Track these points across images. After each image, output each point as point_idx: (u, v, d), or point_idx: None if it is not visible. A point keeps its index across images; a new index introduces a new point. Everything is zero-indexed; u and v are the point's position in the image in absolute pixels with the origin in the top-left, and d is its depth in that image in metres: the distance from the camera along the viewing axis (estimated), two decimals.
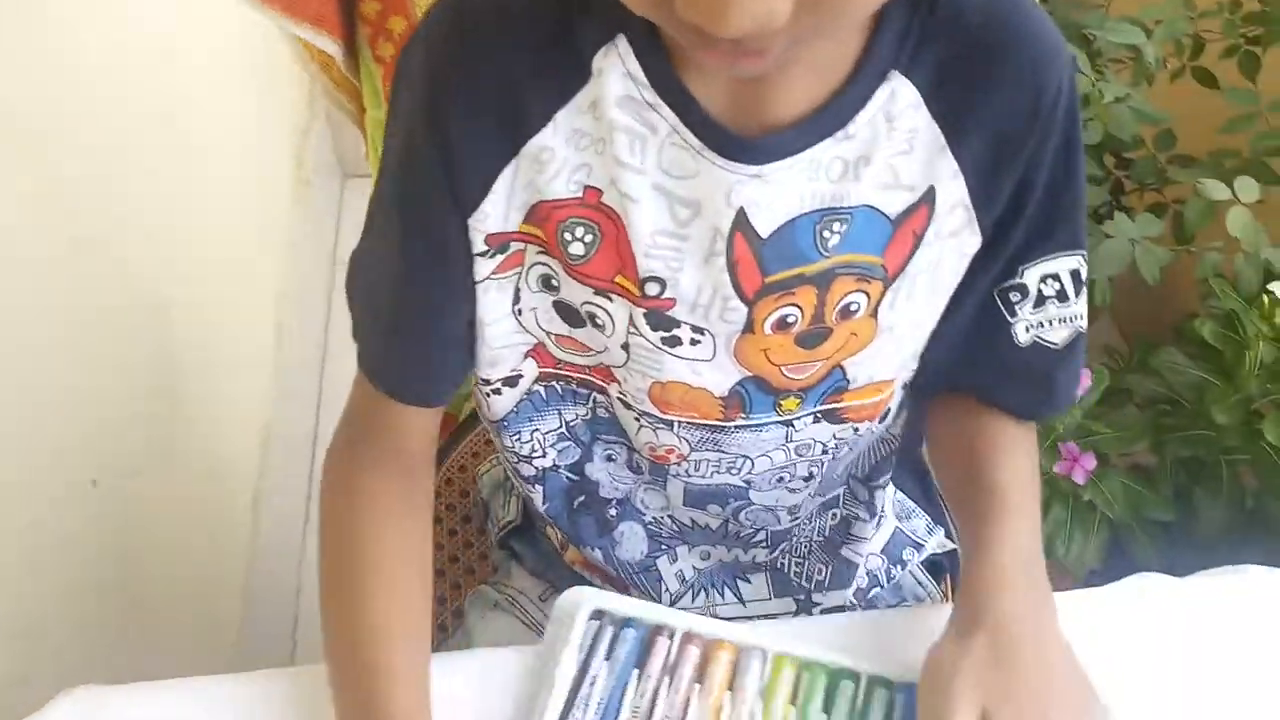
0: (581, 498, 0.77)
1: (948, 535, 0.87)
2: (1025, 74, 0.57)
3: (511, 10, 0.56)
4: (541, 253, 0.61)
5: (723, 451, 0.69)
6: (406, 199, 0.61)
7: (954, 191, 0.58)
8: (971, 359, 0.67)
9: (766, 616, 0.81)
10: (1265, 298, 1.05)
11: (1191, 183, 1.20)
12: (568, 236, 0.59)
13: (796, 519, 0.78)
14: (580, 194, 0.58)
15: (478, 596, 0.88)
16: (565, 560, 0.85)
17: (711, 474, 0.71)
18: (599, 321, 0.62)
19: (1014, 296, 0.64)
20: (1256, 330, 1.07)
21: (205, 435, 1.23)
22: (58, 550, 0.85)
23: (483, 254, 0.60)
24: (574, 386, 0.69)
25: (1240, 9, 1.31)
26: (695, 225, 0.57)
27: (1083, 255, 0.63)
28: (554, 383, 0.69)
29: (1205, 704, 0.64)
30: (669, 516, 0.77)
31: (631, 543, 0.79)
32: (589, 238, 0.59)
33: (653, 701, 0.60)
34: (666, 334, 0.61)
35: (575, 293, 0.62)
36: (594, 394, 0.69)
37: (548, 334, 0.65)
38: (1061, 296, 0.64)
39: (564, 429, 0.72)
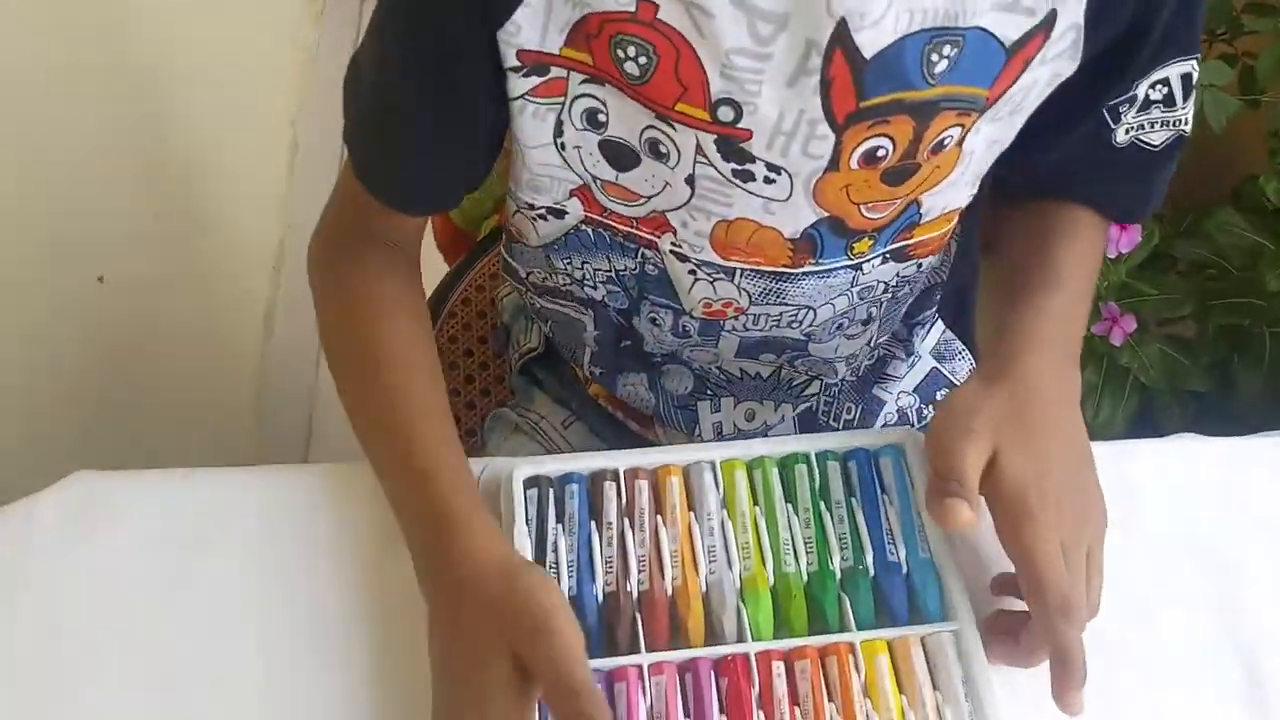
0: (627, 342, 0.74)
1: None
2: None
3: None
4: (587, 81, 0.55)
5: (785, 304, 0.65)
6: (420, 3, 0.55)
7: (1073, 11, 0.53)
8: (1063, 163, 0.64)
9: None
10: None
11: (1268, 31, 1.12)
12: (621, 54, 0.53)
13: (850, 367, 0.76)
14: (633, 8, 0.51)
15: (498, 419, 0.86)
16: (590, 393, 0.82)
17: (769, 327, 0.68)
18: (662, 149, 0.57)
19: (1122, 107, 0.61)
20: None
21: (219, 244, 1.19)
22: (64, 344, 0.83)
23: (516, 69, 0.55)
24: (620, 239, 0.65)
25: None
26: (779, 42, 0.51)
27: (1196, 59, 0.60)
28: (601, 230, 0.65)
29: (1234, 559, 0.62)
30: (717, 368, 0.75)
31: (678, 379, 0.77)
32: (642, 59, 0.53)
33: (623, 547, 0.58)
34: (739, 166, 0.56)
35: (632, 121, 0.56)
36: (642, 249, 0.65)
37: (594, 178, 0.61)
38: (1169, 101, 0.61)
39: (613, 273, 0.68)
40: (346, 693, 0.56)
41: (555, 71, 0.55)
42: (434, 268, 0.97)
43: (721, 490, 0.61)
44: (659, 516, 0.60)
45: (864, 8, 0.49)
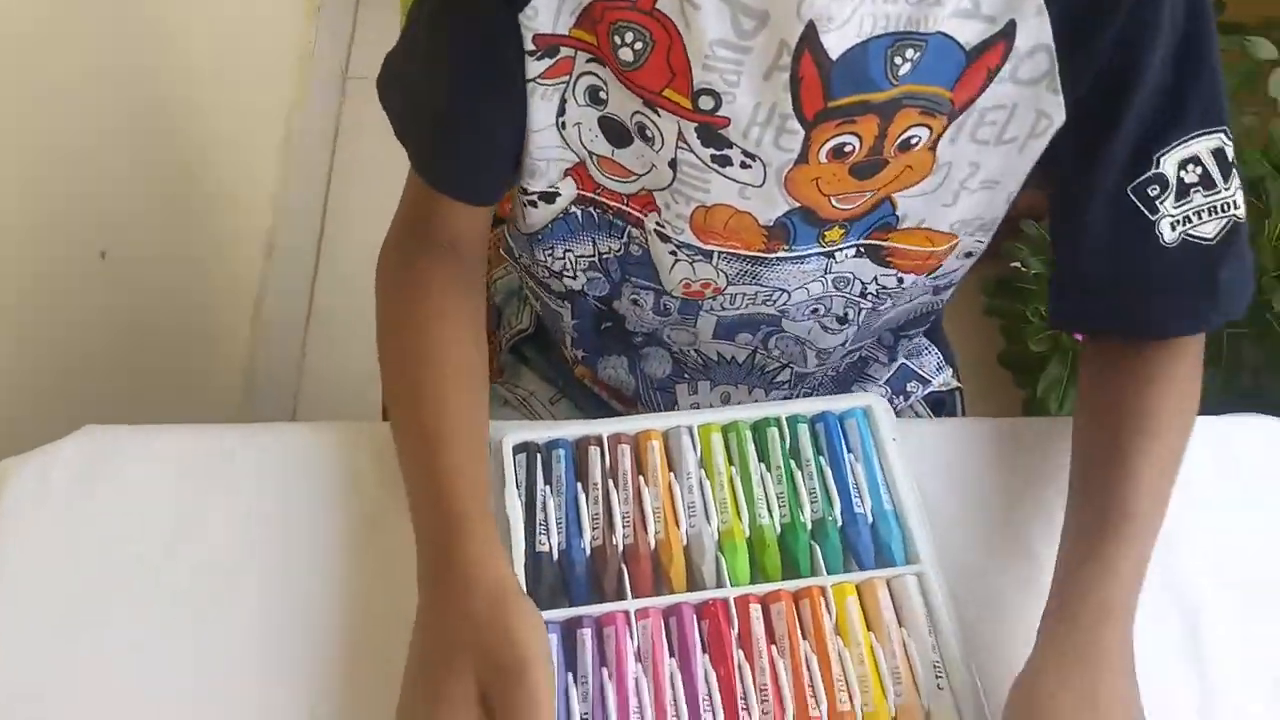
0: (609, 324, 0.77)
1: (955, 375, 0.88)
2: None
3: None
4: (591, 60, 0.59)
5: (760, 285, 0.69)
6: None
7: (1036, 30, 0.55)
8: (1115, 274, 0.61)
9: None
10: None
11: (1235, 49, 1.17)
12: (617, 40, 0.57)
13: (823, 364, 0.78)
14: None
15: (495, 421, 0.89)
16: (576, 375, 0.86)
17: (745, 305, 0.71)
18: (648, 134, 0.61)
19: (1152, 190, 0.58)
20: None
21: (214, 228, 1.23)
22: (70, 311, 0.86)
23: (531, 53, 0.59)
24: (610, 216, 0.68)
25: None
26: (760, 37, 0.55)
27: (1225, 132, 0.58)
28: (591, 208, 0.68)
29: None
30: (695, 350, 0.78)
31: (658, 361, 0.80)
32: (639, 45, 0.57)
33: (608, 506, 0.62)
34: (717, 152, 0.60)
35: (624, 103, 0.60)
36: (629, 227, 0.68)
37: (590, 154, 0.64)
38: (1207, 182, 0.58)
39: (596, 259, 0.72)
40: (334, 625, 0.59)
41: (564, 52, 0.59)
42: None
43: (699, 452, 0.65)
44: (641, 477, 0.64)
45: (830, 12, 0.53)
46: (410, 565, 0.57)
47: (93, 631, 0.58)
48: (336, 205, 1.71)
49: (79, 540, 0.61)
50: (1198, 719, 0.59)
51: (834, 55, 0.54)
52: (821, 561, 0.60)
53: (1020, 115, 0.58)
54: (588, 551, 0.61)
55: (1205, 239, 0.59)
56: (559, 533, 0.61)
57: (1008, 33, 0.55)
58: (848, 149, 0.59)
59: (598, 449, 0.64)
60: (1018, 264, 1.24)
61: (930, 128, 0.59)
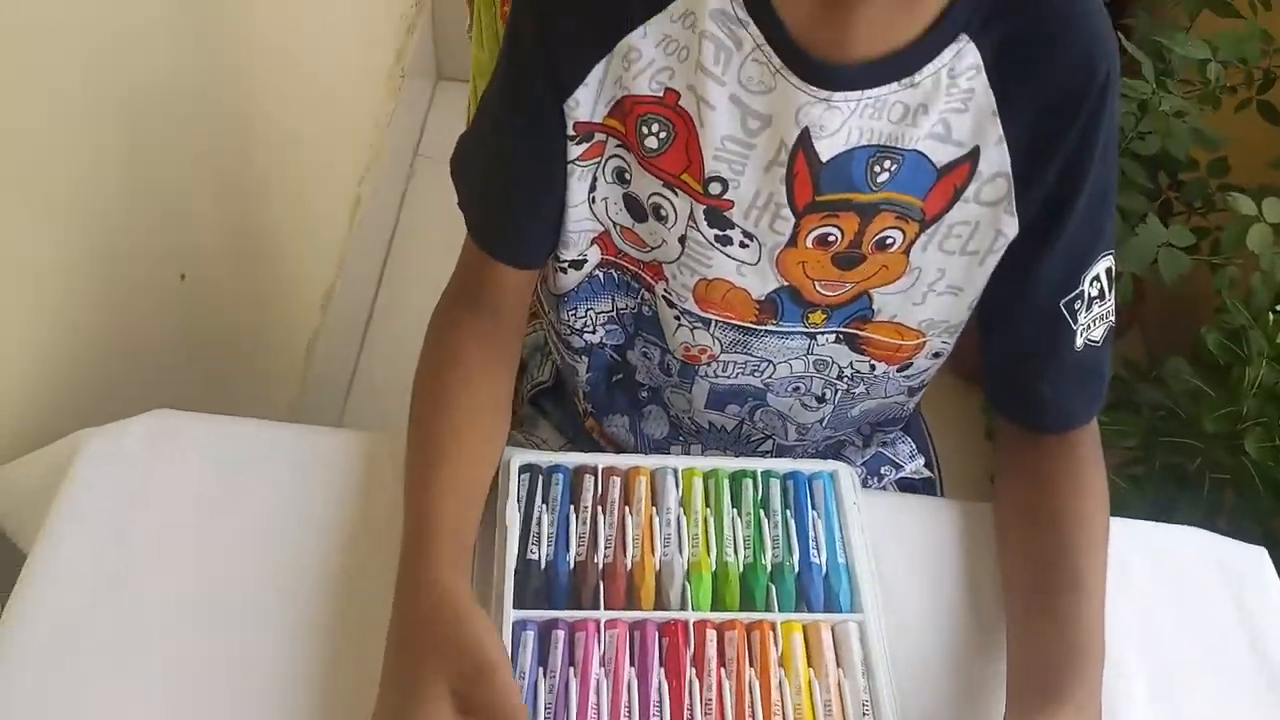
0: (620, 376, 0.86)
1: (927, 464, 0.95)
2: (1077, 63, 0.63)
3: None
4: (619, 145, 0.69)
5: (749, 354, 0.78)
6: (512, 86, 0.69)
7: (997, 158, 0.65)
8: (1039, 371, 0.71)
9: None
10: (1271, 315, 1.11)
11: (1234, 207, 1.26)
12: (644, 130, 0.67)
13: (803, 440, 0.87)
14: (661, 94, 0.66)
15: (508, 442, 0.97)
16: (586, 427, 0.94)
17: (736, 374, 0.80)
18: (663, 213, 0.70)
19: (1076, 305, 0.69)
20: (1260, 348, 1.13)
21: (281, 271, 1.34)
22: (152, 322, 0.97)
23: (572, 138, 0.69)
24: (628, 278, 0.78)
25: None
26: (763, 136, 0.65)
27: (1113, 252, 0.70)
28: (612, 270, 0.78)
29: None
30: (690, 418, 0.87)
31: (657, 422, 0.88)
32: (663, 134, 0.67)
33: (594, 528, 0.70)
34: (720, 232, 0.69)
35: (644, 184, 0.70)
36: (643, 289, 0.78)
37: (614, 224, 0.74)
38: (1101, 296, 0.70)
39: (614, 313, 0.81)
40: (335, 625, 0.67)
41: (598, 136, 0.69)
42: None
43: (680, 491, 0.73)
44: (626, 507, 0.72)
45: (823, 122, 0.63)
46: None
47: (139, 597, 0.66)
48: (393, 271, 1.83)
49: (147, 498, 0.70)
50: None
51: (824, 158, 0.64)
52: (775, 600, 0.68)
53: (981, 231, 0.68)
54: (571, 565, 0.69)
55: (1095, 342, 0.71)
56: (549, 545, 0.69)
57: (973, 157, 0.65)
58: (831, 238, 0.68)
59: (592, 478, 0.73)
60: None
61: (904, 232, 0.68)
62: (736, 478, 0.74)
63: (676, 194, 0.69)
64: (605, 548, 0.69)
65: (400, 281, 1.80)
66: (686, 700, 0.63)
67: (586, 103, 0.67)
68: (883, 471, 0.91)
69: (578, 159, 0.70)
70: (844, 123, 0.63)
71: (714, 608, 0.68)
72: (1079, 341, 0.70)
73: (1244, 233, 1.19)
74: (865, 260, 0.70)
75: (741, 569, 0.69)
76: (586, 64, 0.66)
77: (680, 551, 0.69)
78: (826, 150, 0.64)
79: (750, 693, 0.64)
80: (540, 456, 0.74)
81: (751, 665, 0.65)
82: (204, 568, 0.68)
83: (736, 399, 0.83)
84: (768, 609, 0.68)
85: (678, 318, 0.77)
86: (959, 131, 0.65)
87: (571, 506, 0.71)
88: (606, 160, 0.71)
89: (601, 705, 0.63)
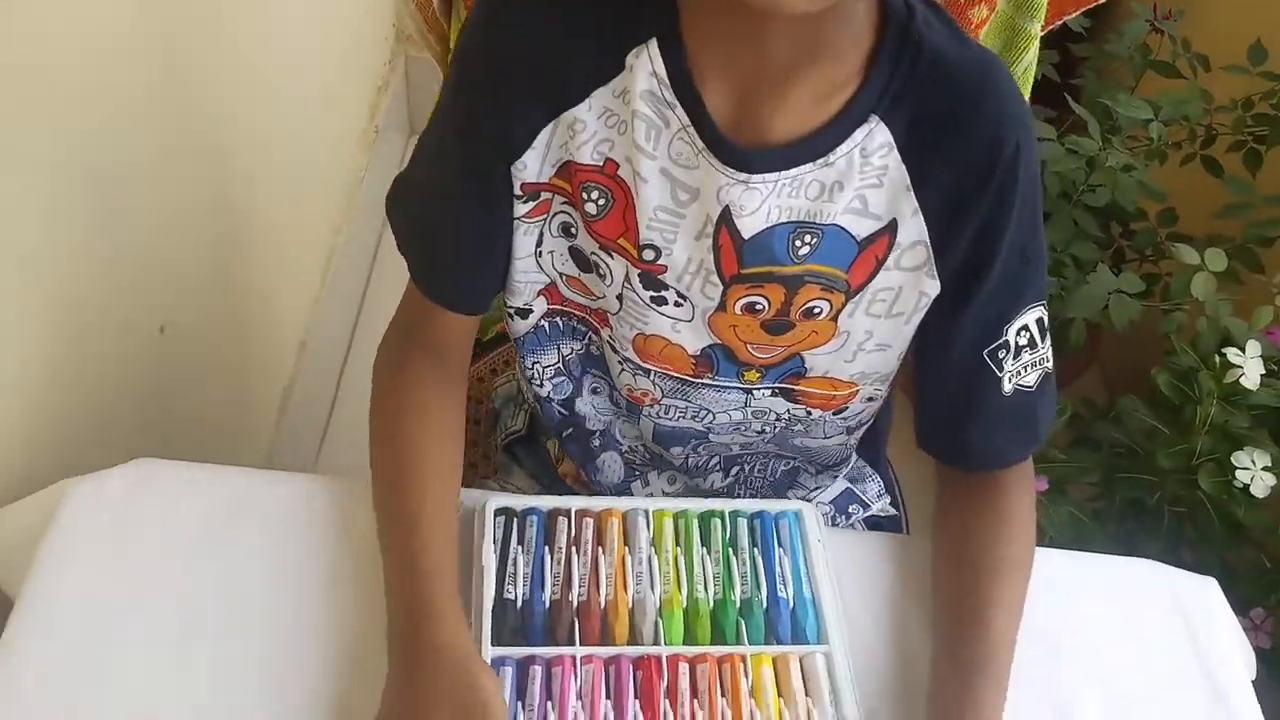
0: (570, 430, 0.88)
1: (892, 503, 0.98)
2: (986, 133, 0.66)
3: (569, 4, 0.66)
4: (565, 203, 0.72)
5: (689, 401, 0.80)
6: (457, 136, 0.71)
7: (914, 228, 0.68)
8: (966, 414, 0.74)
9: None
10: (1218, 358, 1.16)
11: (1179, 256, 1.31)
12: (585, 195, 0.70)
13: (747, 450, 0.88)
14: (601, 163, 0.68)
15: (482, 490, 0.99)
16: (559, 473, 0.97)
17: (678, 419, 0.82)
18: (601, 272, 0.73)
19: (1001, 354, 0.72)
20: (1210, 389, 1.18)
21: (256, 320, 1.36)
22: (131, 373, 0.98)
23: (519, 197, 0.71)
24: (574, 323, 0.80)
25: (1252, 108, 1.42)
26: (692, 207, 0.68)
27: (1044, 304, 0.73)
28: (558, 318, 0.80)
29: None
30: (642, 446, 0.89)
31: (611, 469, 0.90)
32: (602, 201, 0.69)
33: (568, 567, 0.72)
34: (655, 294, 0.72)
35: (586, 243, 0.73)
36: (590, 332, 0.81)
37: (560, 274, 0.76)
38: (1032, 344, 0.73)
39: (560, 363, 0.83)
40: (324, 660, 0.69)
41: (544, 195, 0.72)
42: None
43: (651, 532, 0.76)
44: (600, 547, 0.74)
45: (743, 202, 0.65)
46: None
47: (121, 641, 0.67)
48: (366, 319, 1.85)
49: (126, 546, 0.71)
50: None
51: (745, 235, 0.67)
52: (745, 634, 0.70)
53: (905, 295, 0.71)
54: (547, 604, 0.71)
55: (1028, 388, 0.73)
56: (525, 585, 0.71)
57: (891, 229, 0.68)
58: (758, 307, 0.71)
59: (566, 520, 0.75)
60: None
61: (830, 302, 0.71)
62: (705, 518, 0.77)
63: (613, 256, 0.72)
64: (580, 586, 0.71)
65: (375, 329, 1.80)
66: None
67: (533, 165, 0.69)
68: (850, 510, 0.94)
69: (524, 216, 0.72)
70: (763, 201, 0.66)
71: (686, 642, 0.70)
72: (1007, 387, 0.72)
73: (1189, 280, 1.24)
74: (795, 327, 0.72)
75: (712, 605, 0.72)
76: (535, 128, 0.68)
77: (652, 589, 0.72)
78: (748, 228, 0.67)
79: None
80: (515, 500, 0.76)
81: (724, 696, 0.67)
82: (185, 612, 0.69)
83: (680, 441, 0.85)
84: (738, 642, 0.70)
85: (621, 363, 0.79)
86: (875, 205, 0.67)
87: (546, 547, 0.73)
88: (553, 216, 0.73)
89: None
